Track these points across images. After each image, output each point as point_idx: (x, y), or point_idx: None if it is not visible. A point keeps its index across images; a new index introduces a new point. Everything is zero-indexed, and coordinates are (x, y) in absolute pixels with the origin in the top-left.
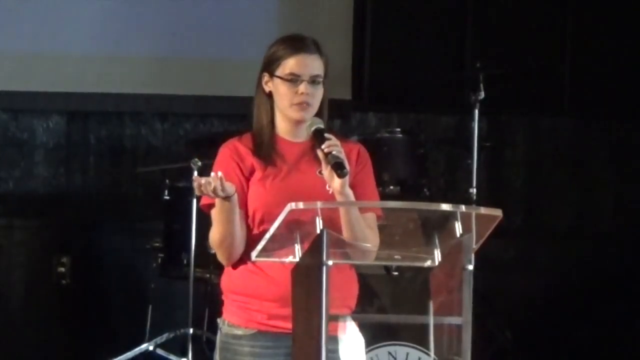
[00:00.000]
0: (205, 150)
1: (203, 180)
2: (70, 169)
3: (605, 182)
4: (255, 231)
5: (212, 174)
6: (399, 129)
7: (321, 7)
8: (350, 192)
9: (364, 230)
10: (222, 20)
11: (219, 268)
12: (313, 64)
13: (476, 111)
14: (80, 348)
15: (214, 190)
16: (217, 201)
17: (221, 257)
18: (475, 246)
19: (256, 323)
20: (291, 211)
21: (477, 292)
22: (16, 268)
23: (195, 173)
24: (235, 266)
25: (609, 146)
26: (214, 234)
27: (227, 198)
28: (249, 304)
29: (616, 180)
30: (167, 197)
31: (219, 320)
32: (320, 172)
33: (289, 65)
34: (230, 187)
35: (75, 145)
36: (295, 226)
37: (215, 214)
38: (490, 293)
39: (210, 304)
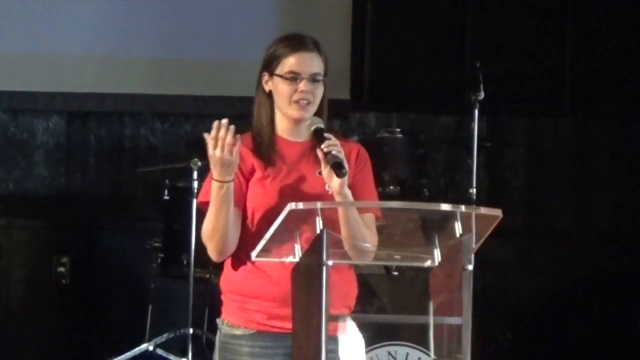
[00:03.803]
0: (205, 151)
1: (224, 121)
2: (70, 169)
3: (605, 182)
4: (255, 231)
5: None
6: (398, 129)
7: (320, 7)
8: (348, 192)
9: (362, 230)
10: (222, 20)
11: (219, 268)
12: (312, 62)
13: (476, 111)
14: (80, 348)
15: (223, 143)
16: (213, 189)
17: (211, 250)
18: (475, 246)
19: (255, 323)
20: (291, 211)
21: (477, 292)
22: (16, 268)
23: (195, 173)
24: (235, 266)
25: (609, 146)
26: (206, 226)
27: (223, 184)
28: (248, 304)
29: (616, 180)
30: (167, 197)
31: (218, 320)
32: (320, 173)
33: (289, 63)
34: (236, 158)
35: (75, 145)
36: (295, 226)
37: (210, 205)
38: (490, 293)
39: (210, 304)
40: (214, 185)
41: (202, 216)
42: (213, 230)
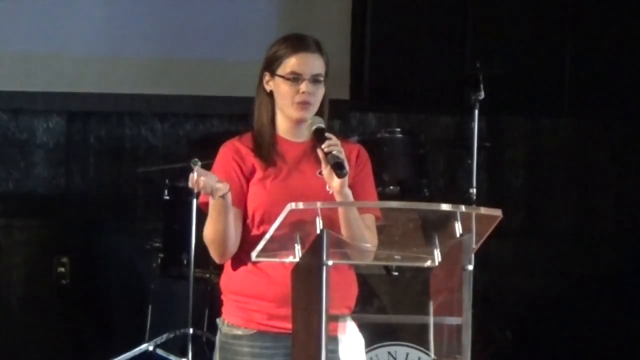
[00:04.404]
0: (205, 151)
1: (202, 179)
2: (70, 169)
3: (605, 182)
4: (255, 231)
5: (209, 173)
6: (398, 129)
7: (321, 7)
8: (349, 192)
9: (362, 230)
10: (222, 20)
11: (219, 268)
12: (314, 63)
13: (476, 111)
14: (80, 348)
15: (205, 189)
16: (210, 199)
17: (213, 254)
18: (475, 246)
19: (256, 323)
20: (291, 211)
21: (477, 292)
22: (16, 268)
23: (195, 174)
24: (235, 266)
25: (609, 146)
26: (207, 231)
27: (220, 196)
28: (248, 304)
29: (616, 180)
30: (167, 197)
31: (218, 320)
32: (320, 173)
33: (291, 64)
34: (223, 188)
35: (75, 145)
36: (295, 226)
37: (209, 212)
38: (490, 293)
39: (210, 304)
40: (210, 198)
41: (202, 216)
42: (214, 235)
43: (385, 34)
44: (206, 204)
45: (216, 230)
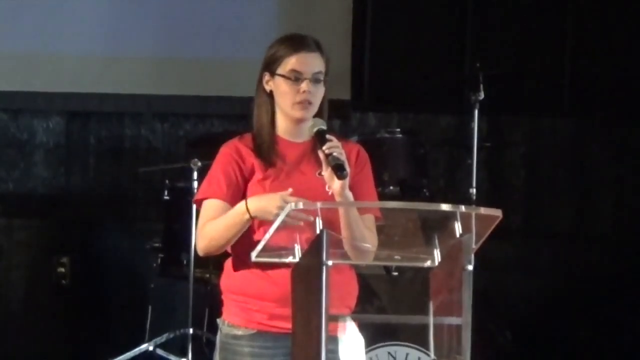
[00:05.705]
0: (205, 151)
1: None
2: (70, 169)
3: (605, 182)
4: (256, 231)
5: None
6: (398, 129)
7: (321, 7)
8: (349, 194)
9: (362, 231)
10: (222, 20)
11: (219, 268)
12: (314, 62)
13: (476, 111)
14: (80, 348)
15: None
16: (238, 213)
17: (201, 246)
18: (475, 246)
19: (256, 323)
20: (291, 211)
21: (477, 292)
22: (16, 268)
23: (195, 173)
24: (235, 266)
25: (609, 146)
26: (209, 231)
27: (251, 218)
28: (248, 304)
29: (616, 180)
30: (167, 198)
31: (218, 320)
32: (320, 173)
33: (291, 63)
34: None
35: (75, 145)
36: (295, 226)
37: (225, 218)
38: (490, 293)
39: (210, 304)
40: (244, 213)
41: None
42: (218, 238)
43: (385, 34)
44: (199, 201)
45: (224, 237)
